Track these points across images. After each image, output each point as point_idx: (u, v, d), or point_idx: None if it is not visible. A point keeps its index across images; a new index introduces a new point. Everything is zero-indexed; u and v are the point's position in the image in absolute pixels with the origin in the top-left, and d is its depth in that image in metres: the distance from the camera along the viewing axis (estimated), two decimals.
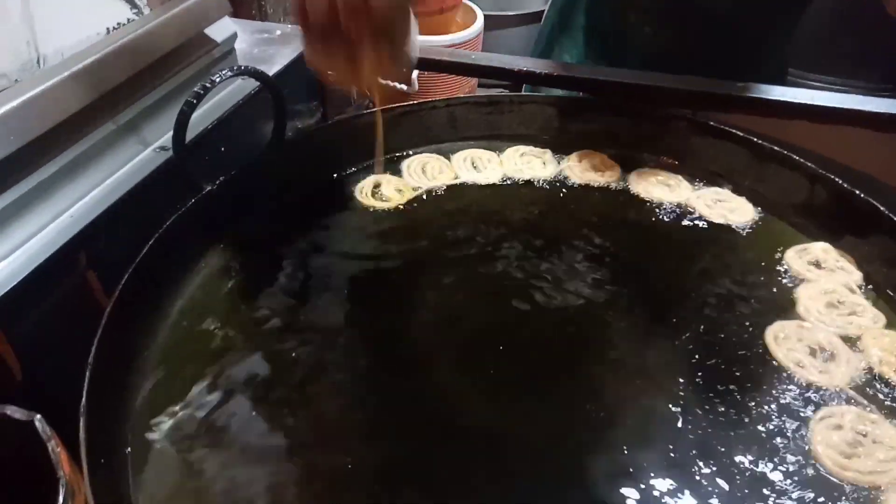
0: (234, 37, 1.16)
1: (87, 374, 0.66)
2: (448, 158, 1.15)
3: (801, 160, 1.01)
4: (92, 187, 0.86)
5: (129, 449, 0.69)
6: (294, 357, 0.79)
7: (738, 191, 1.07)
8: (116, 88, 0.90)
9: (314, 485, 0.67)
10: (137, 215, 0.87)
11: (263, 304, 0.86)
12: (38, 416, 0.59)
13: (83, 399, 0.64)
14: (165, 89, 0.98)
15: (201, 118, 0.99)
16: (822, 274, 0.92)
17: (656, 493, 0.66)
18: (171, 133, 0.84)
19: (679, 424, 0.73)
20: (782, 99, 1.06)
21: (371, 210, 1.03)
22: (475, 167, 1.13)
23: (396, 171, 1.11)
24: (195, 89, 0.82)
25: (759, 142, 1.05)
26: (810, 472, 0.69)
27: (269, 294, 0.87)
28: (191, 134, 0.86)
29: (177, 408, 0.73)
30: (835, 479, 0.68)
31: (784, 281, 0.92)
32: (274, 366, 0.78)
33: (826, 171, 0.98)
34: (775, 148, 1.03)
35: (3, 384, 0.75)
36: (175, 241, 0.84)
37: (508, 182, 1.11)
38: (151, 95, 0.96)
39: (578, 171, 1.13)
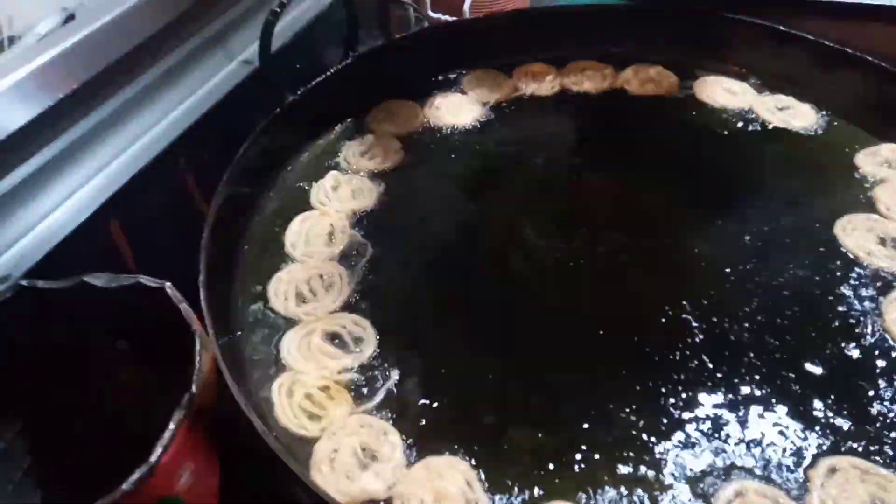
0: None
1: (202, 256, 0.72)
2: (509, 74, 1.17)
3: (874, 60, 1.00)
4: (185, 97, 0.92)
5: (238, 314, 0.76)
6: (381, 253, 0.84)
7: (803, 96, 1.06)
8: (201, 3, 0.94)
9: (412, 350, 0.72)
10: (226, 125, 0.93)
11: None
12: (168, 283, 0.66)
13: (201, 276, 0.70)
14: (246, 6, 1.02)
15: (277, 33, 1.03)
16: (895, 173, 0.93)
17: (740, 364, 0.70)
18: (252, 46, 0.89)
19: (750, 311, 0.75)
20: (858, 1, 1.04)
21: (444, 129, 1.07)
22: (536, 80, 1.15)
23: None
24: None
25: (830, 44, 1.04)
26: (885, 346, 0.71)
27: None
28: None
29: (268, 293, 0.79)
30: None
31: (855, 180, 0.93)
32: (364, 260, 0.84)
33: None
34: (847, 50, 1.02)
35: (119, 271, 0.83)
36: (263, 147, 0.90)
37: (568, 94, 1.12)
38: (235, 10, 1.00)
39: (636, 83, 1.13)
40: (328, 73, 1.00)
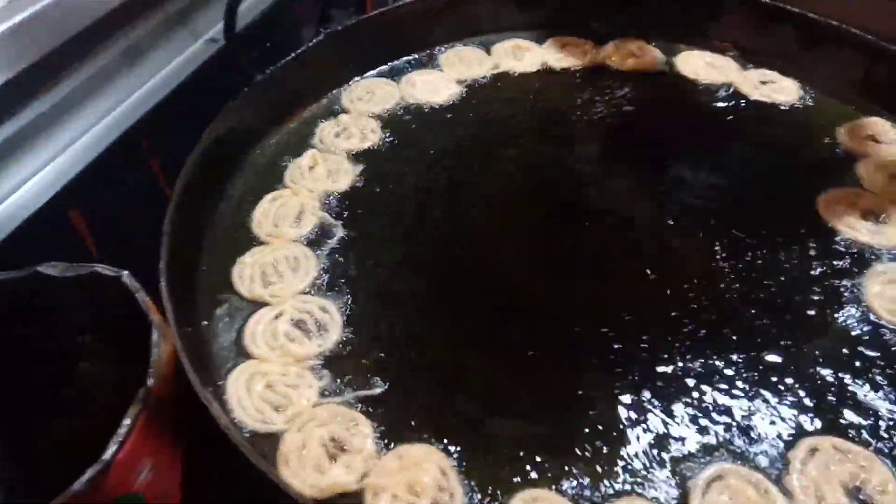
0: None
1: (164, 242, 0.69)
2: (488, 51, 1.14)
3: (859, 34, 0.98)
4: (148, 77, 0.88)
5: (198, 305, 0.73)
6: (354, 236, 0.82)
7: (786, 71, 1.04)
8: None
9: (381, 338, 0.70)
10: (192, 106, 0.89)
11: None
12: (126, 272, 0.63)
13: (161, 263, 0.67)
14: None
15: (246, 10, 0.99)
16: (880, 148, 0.91)
17: (721, 342, 0.69)
18: (218, 25, 0.85)
19: (733, 289, 0.74)
20: None
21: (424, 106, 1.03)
22: (515, 56, 1.12)
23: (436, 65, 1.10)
24: None
25: (814, 18, 1.01)
26: (867, 321, 0.70)
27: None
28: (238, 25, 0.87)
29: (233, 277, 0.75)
30: (889, 326, 0.70)
31: (838, 155, 0.91)
32: (333, 243, 0.81)
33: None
34: (832, 24, 1.00)
35: (82, 260, 0.80)
36: (230, 129, 0.86)
37: (549, 70, 1.10)
38: None
39: (618, 58, 1.11)
40: (299, 50, 0.96)
